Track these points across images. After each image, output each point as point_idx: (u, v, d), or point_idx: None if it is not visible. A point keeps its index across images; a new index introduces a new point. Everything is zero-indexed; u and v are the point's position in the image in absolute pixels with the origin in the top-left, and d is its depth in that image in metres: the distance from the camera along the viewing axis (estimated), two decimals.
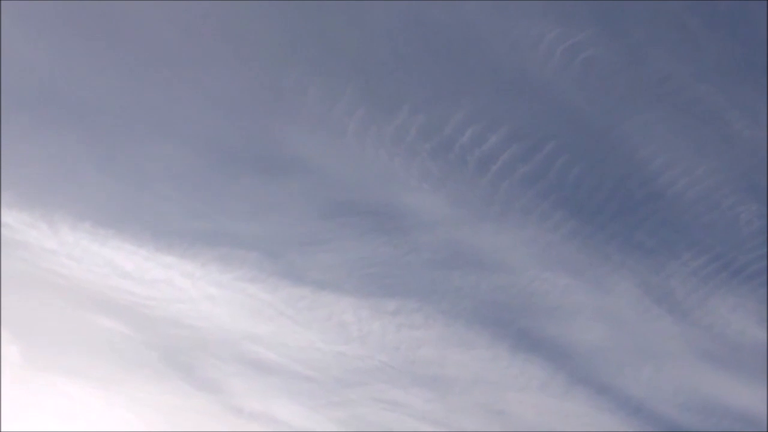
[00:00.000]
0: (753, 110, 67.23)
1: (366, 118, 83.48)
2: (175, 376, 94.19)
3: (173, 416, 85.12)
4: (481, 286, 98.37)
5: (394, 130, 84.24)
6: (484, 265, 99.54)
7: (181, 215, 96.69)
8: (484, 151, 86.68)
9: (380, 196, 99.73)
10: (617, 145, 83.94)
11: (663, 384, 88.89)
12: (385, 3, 63.94)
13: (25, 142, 62.50)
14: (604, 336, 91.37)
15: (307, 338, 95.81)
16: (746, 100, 70.58)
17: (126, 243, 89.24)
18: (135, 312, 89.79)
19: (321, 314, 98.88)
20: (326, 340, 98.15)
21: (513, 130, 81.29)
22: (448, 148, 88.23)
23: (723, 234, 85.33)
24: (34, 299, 66.53)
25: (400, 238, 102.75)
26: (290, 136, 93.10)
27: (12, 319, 61.53)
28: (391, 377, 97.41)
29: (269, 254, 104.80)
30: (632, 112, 74.26)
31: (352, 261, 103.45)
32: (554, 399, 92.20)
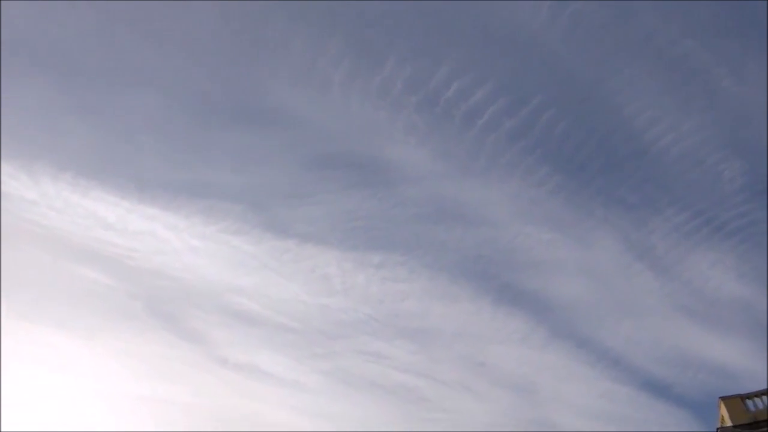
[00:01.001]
0: (740, 67, 65.36)
1: (351, 71, 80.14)
2: (159, 327, 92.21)
3: (158, 366, 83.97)
4: (466, 241, 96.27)
5: (379, 83, 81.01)
6: (468, 219, 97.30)
7: (165, 167, 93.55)
8: (470, 105, 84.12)
9: (365, 149, 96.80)
10: (603, 100, 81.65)
11: (641, 338, 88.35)
12: None
13: (3, 91, 60.21)
14: (586, 290, 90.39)
15: (291, 290, 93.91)
16: (733, 56, 68.41)
17: (108, 194, 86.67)
18: (118, 263, 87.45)
19: (305, 267, 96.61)
20: (310, 292, 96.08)
21: (499, 84, 78.50)
22: (434, 101, 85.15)
23: (706, 191, 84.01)
24: (16, 250, 65.07)
25: (385, 192, 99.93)
26: (274, 88, 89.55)
27: None
28: (375, 329, 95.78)
29: (253, 207, 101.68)
30: (619, 68, 71.84)
31: (337, 214, 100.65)
32: (535, 351, 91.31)
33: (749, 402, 26.16)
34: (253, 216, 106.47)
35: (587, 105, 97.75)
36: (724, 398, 26.59)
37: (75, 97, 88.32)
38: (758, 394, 26.33)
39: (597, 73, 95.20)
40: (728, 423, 25.58)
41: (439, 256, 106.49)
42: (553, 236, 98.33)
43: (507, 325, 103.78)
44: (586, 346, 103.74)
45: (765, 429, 24.79)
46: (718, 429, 25.83)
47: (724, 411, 26.17)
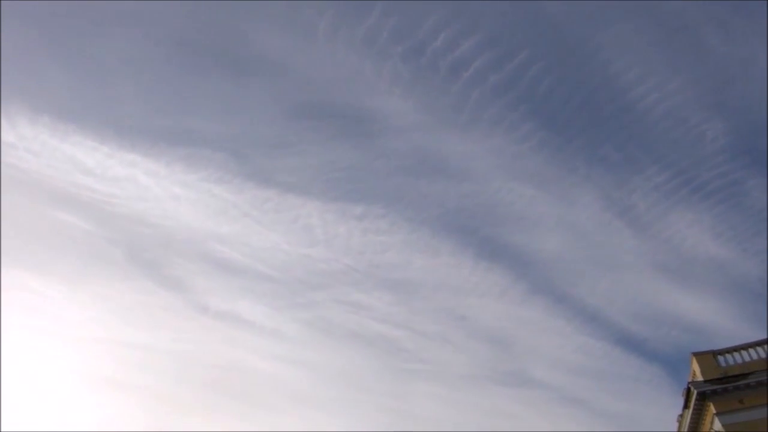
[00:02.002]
0: (727, 25, 64.68)
1: (336, 18, 78.44)
2: (140, 274, 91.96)
3: (138, 313, 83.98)
4: (447, 194, 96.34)
5: (365, 32, 79.50)
6: (450, 173, 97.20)
7: (145, 112, 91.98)
8: (456, 57, 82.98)
9: (349, 99, 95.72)
10: (590, 56, 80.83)
11: (618, 294, 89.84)
12: None
13: None
14: (565, 247, 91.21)
15: (273, 240, 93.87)
16: (721, 15, 67.69)
17: (87, 139, 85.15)
18: (98, 209, 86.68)
19: (287, 217, 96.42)
20: (291, 242, 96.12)
21: (486, 37, 77.33)
22: (420, 52, 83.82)
23: (687, 150, 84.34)
24: None
25: (367, 143, 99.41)
26: (257, 35, 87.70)
27: None
28: (356, 280, 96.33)
29: (235, 155, 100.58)
30: (607, 23, 70.87)
31: (319, 164, 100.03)
32: (514, 306, 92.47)
33: (720, 358, 26.72)
34: (235, 165, 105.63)
35: (574, 61, 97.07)
36: (696, 354, 27.09)
37: (51, 38, 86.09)
38: (729, 350, 26.91)
39: (584, 29, 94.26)
40: (699, 378, 26.15)
41: (421, 209, 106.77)
42: (535, 192, 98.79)
43: (487, 279, 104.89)
44: (563, 302, 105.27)
45: (735, 383, 25.45)
46: (689, 383, 26.39)
47: (695, 366, 26.71)
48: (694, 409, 26.64)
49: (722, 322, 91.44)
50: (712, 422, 25.84)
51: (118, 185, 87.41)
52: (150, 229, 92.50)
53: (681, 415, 28.43)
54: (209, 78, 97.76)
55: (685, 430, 28.06)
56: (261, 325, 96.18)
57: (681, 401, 27.64)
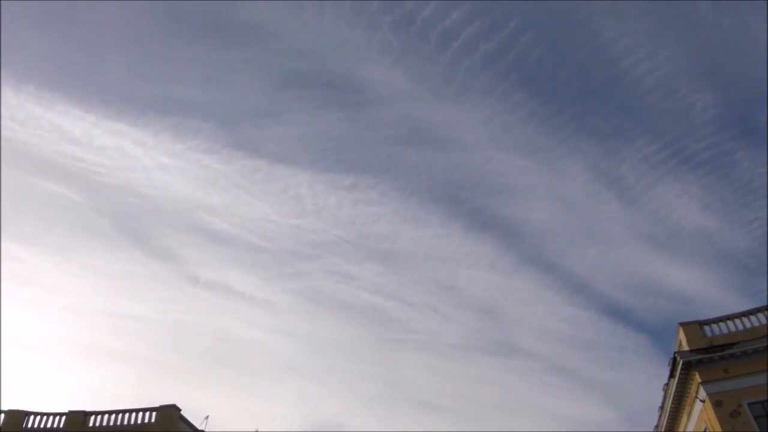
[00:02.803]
0: None
1: None
2: (129, 244, 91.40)
3: (127, 283, 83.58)
4: (437, 165, 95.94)
5: (354, 1, 77.77)
6: (440, 143, 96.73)
7: (131, 81, 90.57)
8: (446, 26, 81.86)
9: (338, 68, 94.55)
10: (580, 26, 79.95)
11: (606, 265, 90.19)
12: None
13: None
14: (555, 217, 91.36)
15: (262, 210, 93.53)
16: None
17: (73, 107, 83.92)
18: (85, 179, 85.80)
19: (276, 187, 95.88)
20: (281, 212, 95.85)
21: (476, 6, 76.20)
22: (410, 21, 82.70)
23: (677, 121, 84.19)
24: None
25: (357, 113, 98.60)
26: (246, 3, 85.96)
27: None
28: (346, 251, 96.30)
29: (223, 125, 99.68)
30: None
31: (309, 134, 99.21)
32: (503, 276, 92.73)
33: (706, 328, 26.91)
34: (224, 134, 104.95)
35: (565, 30, 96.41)
36: (683, 324, 27.27)
37: (35, 6, 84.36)
38: (715, 320, 27.08)
39: None
40: (685, 347, 26.36)
41: (411, 179, 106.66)
42: (525, 163, 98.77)
43: (476, 249, 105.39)
44: (552, 272, 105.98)
45: (720, 353, 25.68)
46: (675, 353, 26.60)
47: (682, 336, 26.91)
48: (679, 379, 26.91)
49: (708, 293, 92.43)
50: (697, 391, 26.11)
51: (105, 155, 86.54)
52: (138, 199, 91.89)
53: (667, 384, 28.74)
54: (197, 46, 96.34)
55: (671, 398, 28.48)
56: (251, 296, 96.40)
57: (667, 371, 27.89)
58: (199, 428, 31.90)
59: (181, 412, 30.28)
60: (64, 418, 29.75)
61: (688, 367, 26.26)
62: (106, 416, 29.87)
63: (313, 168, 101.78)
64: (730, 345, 25.72)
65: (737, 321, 26.60)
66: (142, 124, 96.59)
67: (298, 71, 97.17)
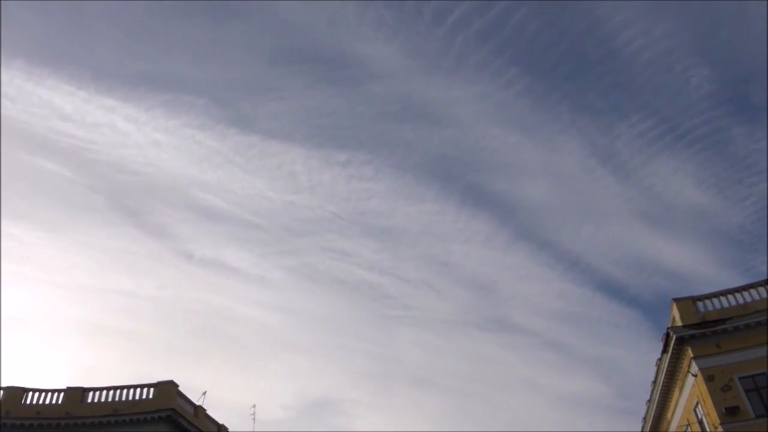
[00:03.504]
0: None
1: None
2: (123, 221, 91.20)
3: (122, 260, 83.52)
4: (432, 140, 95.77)
5: None
6: (435, 119, 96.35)
7: (122, 56, 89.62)
8: (440, 2, 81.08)
9: (332, 44, 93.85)
10: (577, 0, 78.94)
11: (600, 241, 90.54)
12: None
13: None
14: (549, 194, 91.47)
15: (257, 187, 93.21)
16: None
17: (63, 83, 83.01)
18: (77, 155, 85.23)
19: (270, 163, 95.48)
20: (276, 189, 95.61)
21: None
22: None
23: (672, 97, 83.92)
24: None
25: (352, 89, 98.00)
26: None
27: None
28: (340, 227, 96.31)
29: (217, 101, 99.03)
30: None
31: (302, 110, 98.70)
32: (497, 252, 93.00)
33: (700, 304, 27.19)
34: (217, 111, 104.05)
35: (559, 5, 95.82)
36: (676, 300, 27.54)
37: None
38: (708, 296, 27.37)
39: None
40: (679, 323, 26.63)
41: (405, 155, 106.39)
42: (520, 139, 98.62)
43: (471, 225, 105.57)
44: (546, 248, 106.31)
45: (713, 328, 25.97)
46: (668, 328, 26.88)
47: (675, 312, 27.18)
48: (672, 354, 27.28)
49: (702, 269, 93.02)
50: (689, 366, 26.48)
51: (98, 131, 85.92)
52: (131, 176, 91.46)
53: (660, 360, 29.08)
54: (189, 21, 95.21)
55: (664, 373, 28.88)
56: (246, 272, 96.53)
57: (660, 346, 28.22)
58: (197, 404, 32.24)
59: (179, 388, 30.57)
60: (62, 394, 29.88)
61: (681, 342, 26.62)
62: (104, 392, 29.99)
63: (308, 144, 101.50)
64: (723, 320, 26.04)
65: (730, 297, 26.91)
66: (135, 100, 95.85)
67: (291, 47, 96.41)
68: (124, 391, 29.99)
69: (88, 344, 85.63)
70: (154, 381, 30.26)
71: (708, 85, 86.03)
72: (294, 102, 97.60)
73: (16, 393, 29.96)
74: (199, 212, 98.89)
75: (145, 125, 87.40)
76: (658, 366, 29.47)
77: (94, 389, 30.15)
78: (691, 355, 26.07)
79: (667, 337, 27.17)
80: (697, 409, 26.88)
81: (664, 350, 27.78)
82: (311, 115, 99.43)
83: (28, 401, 29.67)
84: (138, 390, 29.95)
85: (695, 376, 26.00)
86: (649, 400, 32.66)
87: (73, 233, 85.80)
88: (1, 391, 30.10)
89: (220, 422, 34.03)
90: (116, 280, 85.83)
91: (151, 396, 29.67)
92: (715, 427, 24.67)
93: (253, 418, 38.54)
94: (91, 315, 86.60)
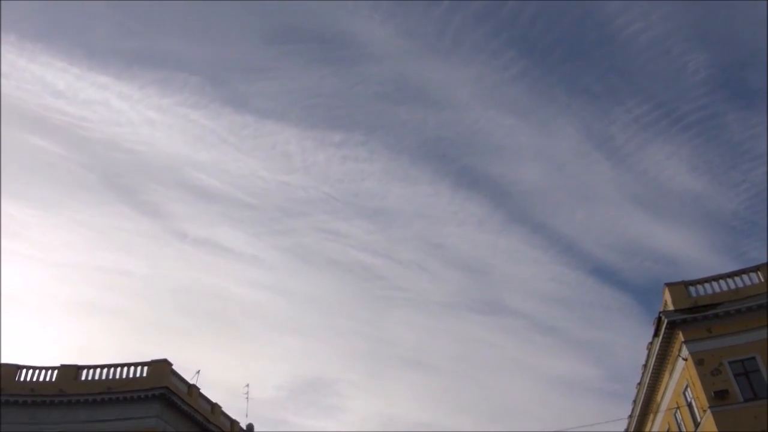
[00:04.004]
0: None
1: None
2: (116, 200, 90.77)
3: (115, 238, 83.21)
4: (427, 122, 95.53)
5: None
6: (431, 100, 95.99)
7: (115, 33, 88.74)
8: None
9: (328, 23, 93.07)
10: None
11: (594, 225, 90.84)
12: None
13: None
14: (544, 177, 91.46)
15: (251, 167, 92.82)
16: None
17: (56, 59, 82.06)
18: (70, 133, 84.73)
19: (264, 143, 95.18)
20: (270, 169, 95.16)
21: None
22: None
23: (669, 82, 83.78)
24: None
25: (347, 69, 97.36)
26: None
27: None
28: (334, 208, 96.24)
29: (211, 80, 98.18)
30: None
31: (298, 90, 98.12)
32: (491, 235, 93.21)
33: (692, 288, 27.36)
34: (211, 89, 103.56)
35: None
36: (669, 284, 27.70)
37: None
38: (701, 281, 27.56)
39: None
40: (670, 307, 26.81)
41: (400, 136, 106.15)
42: (515, 122, 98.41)
43: (465, 208, 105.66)
44: (540, 231, 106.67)
45: (704, 313, 26.17)
46: (660, 312, 27.08)
47: (667, 296, 27.35)
48: (663, 338, 27.50)
49: (695, 254, 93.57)
50: (680, 349, 26.71)
51: (91, 109, 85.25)
52: (125, 154, 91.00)
53: (651, 343, 29.30)
54: None
55: (654, 357, 29.12)
56: (240, 252, 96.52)
57: (651, 330, 28.43)
58: (191, 383, 32.37)
59: (173, 367, 30.70)
60: (56, 371, 30.00)
61: (672, 326, 26.83)
62: (98, 370, 30.09)
63: (302, 124, 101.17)
64: (714, 305, 26.25)
65: (722, 282, 27.08)
66: (128, 78, 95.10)
67: (287, 26, 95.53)
68: (118, 369, 30.09)
69: (80, 322, 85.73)
70: (148, 359, 30.51)
71: (705, 70, 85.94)
72: (289, 82, 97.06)
73: (11, 370, 29.98)
74: (192, 192, 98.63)
75: (138, 103, 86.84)
76: (649, 350, 29.69)
77: (88, 367, 30.24)
78: (682, 339, 26.30)
79: (659, 321, 27.36)
80: (686, 393, 27.18)
81: (656, 334, 28.00)
82: (306, 95, 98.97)
83: (22, 378, 29.74)
84: (132, 368, 30.05)
85: (685, 360, 26.24)
86: (639, 383, 32.94)
87: (67, 211, 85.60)
88: None
89: (214, 401, 34.31)
90: (110, 258, 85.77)
91: (144, 374, 29.77)
92: (704, 411, 24.97)
93: (247, 398, 38.77)
94: (83, 293, 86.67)
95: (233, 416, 36.15)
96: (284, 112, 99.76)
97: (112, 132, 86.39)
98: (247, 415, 38.50)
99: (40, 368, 30.18)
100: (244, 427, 37.60)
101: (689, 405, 27.03)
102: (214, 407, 34.14)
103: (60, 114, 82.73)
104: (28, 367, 30.10)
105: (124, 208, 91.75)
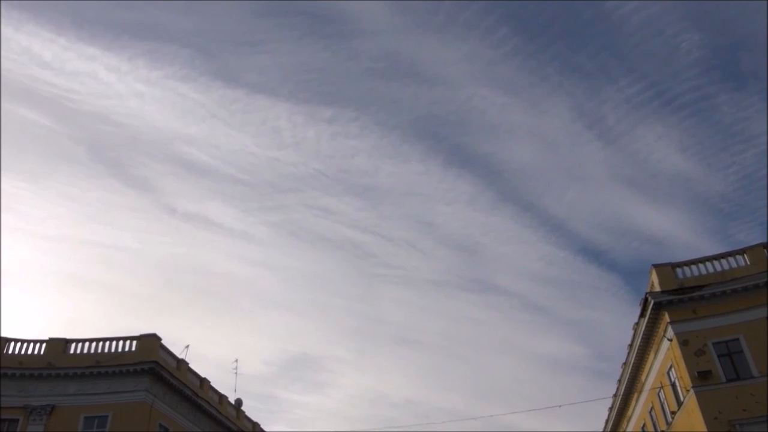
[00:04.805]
0: None
1: None
2: (105, 173, 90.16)
3: (104, 212, 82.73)
4: (419, 100, 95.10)
5: None
6: (423, 77, 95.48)
7: (104, 3, 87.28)
8: None
9: None
10: None
11: (584, 205, 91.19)
12: None
13: None
14: (535, 156, 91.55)
15: (241, 142, 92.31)
16: None
17: (43, 29, 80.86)
18: (58, 105, 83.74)
19: (255, 118, 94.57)
20: (260, 144, 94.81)
21: None
22: None
23: (661, 62, 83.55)
24: None
25: (339, 45, 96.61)
26: None
27: None
28: (325, 185, 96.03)
29: (201, 52, 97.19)
30: None
31: (289, 65, 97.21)
32: (481, 214, 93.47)
33: (678, 270, 27.61)
34: (201, 62, 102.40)
35: None
36: (656, 265, 27.94)
37: None
38: (687, 263, 27.79)
39: None
40: (657, 288, 27.07)
41: (392, 113, 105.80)
42: (507, 100, 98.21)
43: (455, 186, 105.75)
44: (530, 211, 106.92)
45: (690, 294, 26.44)
46: (647, 293, 27.33)
47: (654, 277, 27.59)
48: (649, 318, 27.79)
49: (682, 236, 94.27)
50: (665, 330, 27.01)
51: (78, 80, 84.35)
52: (114, 127, 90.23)
53: (637, 323, 29.62)
54: None
55: (640, 337, 29.42)
56: (230, 228, 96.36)
57: (638, 310, 28.72)
58: (180, 357, 32.48)
59: (162, 342, 30.79)
60: (44, 345, 30.02)
61: (658, 307, 27.09)
62: (87, 344, 30.13)
63: (293, 99, 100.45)
64: (700, 287, 26.50)
65: (708, 264, 27.34)
66: (116, 49, 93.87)
67: None
68: (107, 343, 30.15)
69: (68, 296, 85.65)
70: (137, 334, 30.53)
71: (698, 50, 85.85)
72: (280, 56, 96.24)
73: None
74: (182, 166, 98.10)
75: (127, 75, 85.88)
76: (635, 330, 30.03)
77: (77, 341, 30.29)
78: (668, 320, 26.58)
79: (645, 301, 27.61)
80: (670, 372, 27.57)
81: (642, 314, 28.29)
82: (297, 70, 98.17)
83: (10, 351, 29.76)
84: (121, 342, 30.13)
85: (671, 340, 26.57)
86: (624, 363, 33.34)
87: (55, 184, 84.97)
88: None
89: (203, 376, 34.50)
90: (98, 232, 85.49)
91: (133, 348, 29.85)
92: (687, 390, 25.34)
93: (236, 373, 39.00)
94: (71, 266, 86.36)
95: (222, 391, 36.45)
96: (275, 86, 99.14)
97: (101, 104, 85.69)
98: (235, 390, 38.84)
99: (29, 341, 30.20)
100: (233, 402, 37.92)
101: (673, 384, 27.46)
102: (203, 382, 34.34)
103: (47, 85, 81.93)
104: (16, 340, 30.10)
105: (113, 182, 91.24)
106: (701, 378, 24.77)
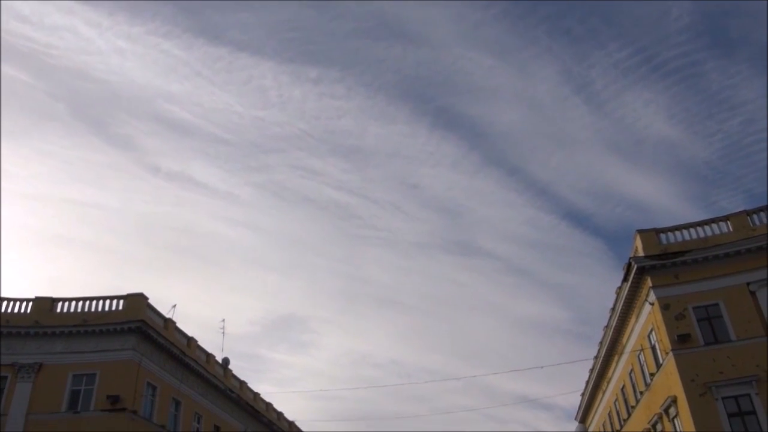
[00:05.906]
0: None
1: None
2: (86, 131, 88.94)
3: (85, 170, 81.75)
4: (406, 60, 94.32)
5: None
6: (410, 38, 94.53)
7: None
8: None
9: None
10: None
11: (569, 170, 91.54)
12: None
13: None
14: (521, 120, 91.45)
15: (225, 101, 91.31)
16: None
17: None
18: (37, 60, 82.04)
19: (239, 77, 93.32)
20: (244, 103, 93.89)
21: None
22: None
23: (651, 27, 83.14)
24: None
25: (324, 3, 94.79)
26: None
27: None
28: (310, 146, 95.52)
29: (183, 8, 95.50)
30: None
31: (273, 23, 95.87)
32: (466, 176, 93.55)
33: (662, 236, 28.01)
34: (184, 19, 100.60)
35: None
36: (640, 231, 28.29)
37: None
38: (671, 229, 28.19)
39: None
40: (641, 253, 27.46)
41: (378, 74, 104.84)
42: (494, 62, 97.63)
43: (441, 148, 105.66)
44: (515, 174, 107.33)
45: (672, 260, 26.86)
46: (630, 258, 27.74)
47: (638, 242, 27.95)
48: (632, 283, 28.25)
49: (666, 202, 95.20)
50: (647, 294, 27.49)
51: (57, 35, 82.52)
52: (94, 84, 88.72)
53: (620, 288, 30.09)
54: None
55: (623, 301, 29.94)
56: (214, 188, 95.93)
57: (621, 275, 29.16)
58: (167, 317, 32.67)
59: (149, 301, 30.94)
60: (31, 303, 30.11)
61: (641, 272, 27.54)
62: (74, 303, 30.26)
63: (278, 58, 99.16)
64: (683, 252, 26.95)
65: (692, 230, 27.75)
66: (96, 3, 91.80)
67: None
68: (94, 302, 30.31)
69: (51, 255, 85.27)
70: (123, 293, 30.70)
71: (688, 16, 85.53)
72: (265, 13, 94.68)
73: None
74: (165, 124, 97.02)
75: (107, 31, 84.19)
76: (618, 294, 30.52)
77: (64, 299, 30.44)
78: (650, 285, 27.05)
79: (629, 266, 28.02)
80: (650, 336, 28.18)
81: (625, 279, 28.72)
82: (282, 28, 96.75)
83: None
84: (108, 301, 30.31)
85: (652, 304, 27.08)
86: (606, 326, 33.98)
87: (35, 141, 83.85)
88: None
89: (190, 335, 34.80)
90: (80, 190, 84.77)
91: (120, 308, 30.07)
92: (666, 353, 25.96)
93: (223, 332, 39.38)
94: (53, 226, 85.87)
95: (209, 350, 36.88)
96: (260, 45, 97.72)
97: (81, 60, 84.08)
98: (222, 349, 39.27)
99: (16, 300, 30.28)
100: (220, 361, 38.35)
101: (653, 347, 28.09)
102: (190, 341, 34.66)
103: (26, 40, 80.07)
104: (2, 299, 30.15)
105: (94, 140, 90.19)
106: (680, 341, 25.34)
